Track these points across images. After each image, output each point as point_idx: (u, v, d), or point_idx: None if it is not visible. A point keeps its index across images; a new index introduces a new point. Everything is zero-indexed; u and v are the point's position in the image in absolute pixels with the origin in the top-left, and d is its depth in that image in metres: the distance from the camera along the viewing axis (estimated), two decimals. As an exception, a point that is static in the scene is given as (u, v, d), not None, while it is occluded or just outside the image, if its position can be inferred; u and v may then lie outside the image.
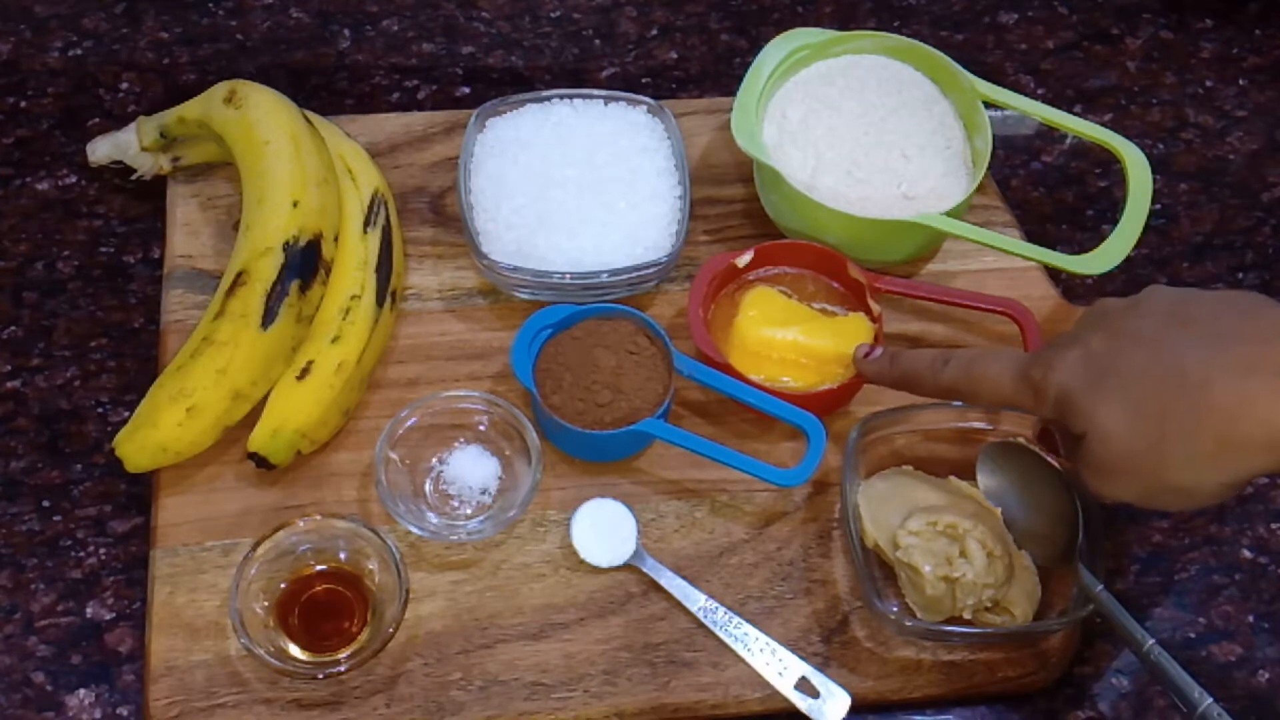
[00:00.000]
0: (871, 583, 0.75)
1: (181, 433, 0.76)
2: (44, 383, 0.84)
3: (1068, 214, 1.00)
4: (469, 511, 0.79)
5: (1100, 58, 1.11)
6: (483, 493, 0.79)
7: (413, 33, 1.07)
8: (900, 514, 0.77)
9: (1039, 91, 1.08)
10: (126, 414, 0.79)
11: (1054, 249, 0.88)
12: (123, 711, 0.73)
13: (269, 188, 0.82)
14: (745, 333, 0.83)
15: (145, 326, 0.87)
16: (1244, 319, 0.64)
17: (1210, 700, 0.67)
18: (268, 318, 0.78)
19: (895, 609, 0.76)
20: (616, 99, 0.92)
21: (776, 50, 0.93)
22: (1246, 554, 0.83)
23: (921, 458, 0.81)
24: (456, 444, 0.80)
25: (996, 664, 0.76)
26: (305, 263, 0.80)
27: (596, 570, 0.77)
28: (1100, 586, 0.72)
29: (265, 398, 0.79)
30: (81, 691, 0.73)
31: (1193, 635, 0.80)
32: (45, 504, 0.79)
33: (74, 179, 0.94)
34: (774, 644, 0.74)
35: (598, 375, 0.79)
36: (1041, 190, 1.02)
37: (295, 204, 0.81)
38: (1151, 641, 0.69)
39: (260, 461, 0.77)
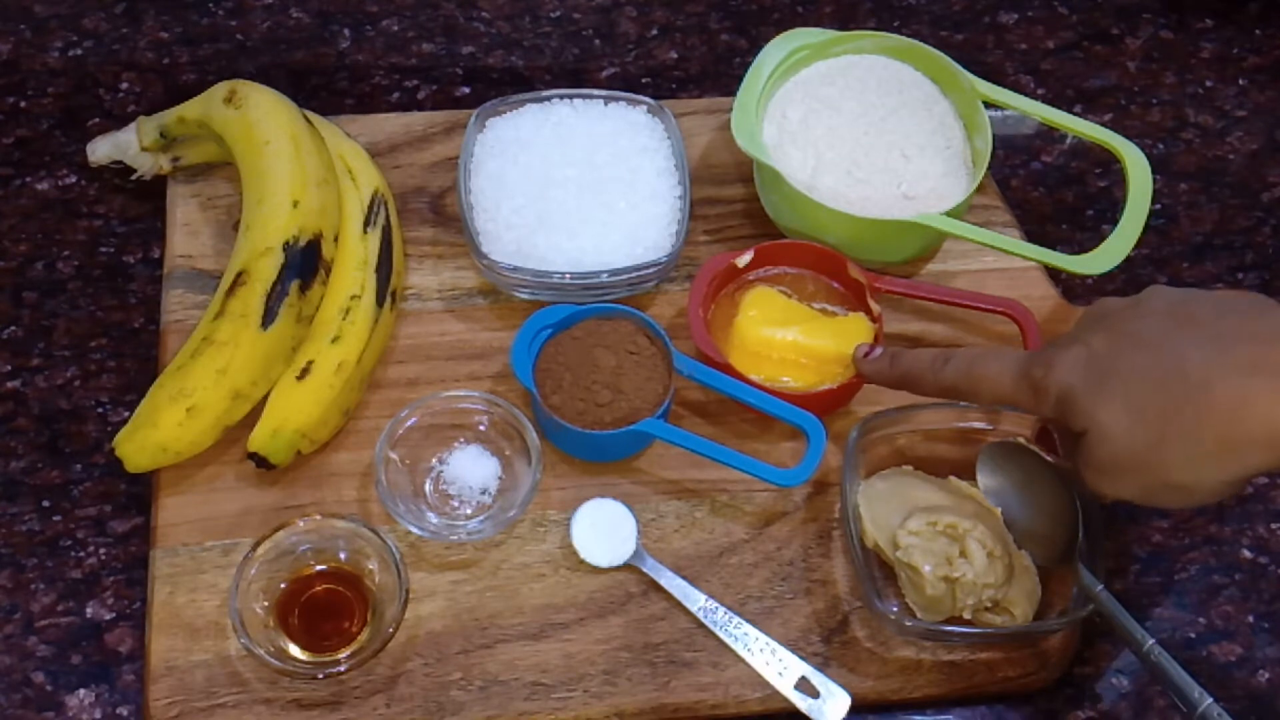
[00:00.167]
0: (871, 583, 0.75)
1: (181, 433, 0.76)
2: (44, 383, 0.84)
3: (1068, 214, 1.00)
4: (469, 511, 0.79)
5: (1100, 58, 1.11)
6: (483, 493, 0.79)
7: (413, 33, 1.07)
8: (900, 514, 0.77)
9: (1039, 91, 1.08)
10: (126, 414, 0.79)
11: (1054, 249, 0.88)
12: (123, 711, 0.73)
13: (269, 188, 0.82)
14: (745, 333, 0.83)
15: (145, 326, 0.87)
16: (1245, 320, 0.64)
17: (1210, 700, 0.67)
18: (268, 318, 0.78)
19: (895, 609, 0.76)
20: (616, 99, 0.92)
21: (776, 50, 0.93)
22: (1246, 554, 0.83)
23: (921, 458, 0.81)
24: (456, 444, 0.80)
25: (996, 664, 0.76)
26: (305, 263, 0.80)
27: (596, 570, 0.77)
28: (1100, 586, 0.72)
29: (265, 398, 0.79)
30: (81, 691, 0.73)
31: (1193, 635, 0.80)
32: (45, 504, 0.79)
33: (74, 179, 0.94)
34: (774, 644, 0.74)
35: (598, 375, 0.79)
36: (1041, 190, 1.02)
37: (295, 204, 0.81)
38: (1151, 641, 0.69)
39: (260, 461, 0.77)
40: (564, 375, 0.80)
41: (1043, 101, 0.95)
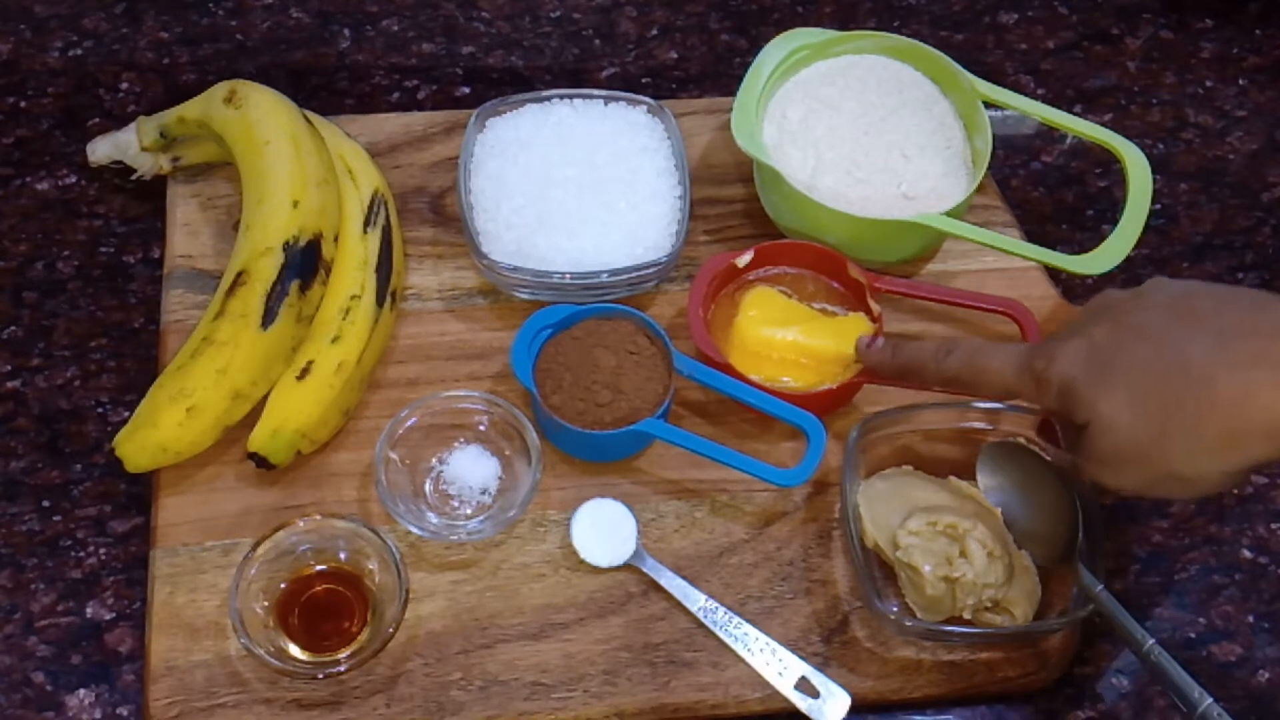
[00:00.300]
0: (871, 583, 0.75)
1: (181, 433, 0.76)
2: (44, 383, 0.84)
3: (1068, 214, 1.00)
4: (469, 511, 0.79)
5: (1100, 58, 1.11)
6: (483, 493, 0.79)
7: (413, 33, 1.07)
8: (900, 514, 0.77)
9: (1039, 91, 1.08)
10: (126, 414, 0.79)
11: (1054, 249, 0.88)
12: (123, 711, 0.73)
13: (269, 188, 0.82)
14: (745, 333, 0.83)
15: (145, 326, 0.87)
16: (1246, 315, 0.64)
17: (1210, 700, 0.67)
18: (268, 318, 0.78)
19: (895, 609, 0.76)
20: (616, 99, 0.92)
21: (776, 50, 0.93)
22: (1246, 554, 0.83)
23: (922, 458, 0.81)
24: (456, 444, 0.80)
25: (996, 664, 0.76)
26: (305, 263, 0.80)
27: (596, 570, 0.77)
28: (1100, 586, 0.72)
29: (265, 398, 0.79)
30: (81, 691, 0.73)
31: (1193, 635, 0.80)
32: (45, 504, 0.79)
33: (74, 179, 0.94)
34: (774, 644, 0.74)
35: (598, 375, 0.79)
36: (1041, 190, 1.02)
37: (295, 204, 0.81)
38: (1151, 641, 0.69)
39: (260, 461, 0.77)
40: (564, 375, 0.80)
41: (1043, 101, 0.95)
